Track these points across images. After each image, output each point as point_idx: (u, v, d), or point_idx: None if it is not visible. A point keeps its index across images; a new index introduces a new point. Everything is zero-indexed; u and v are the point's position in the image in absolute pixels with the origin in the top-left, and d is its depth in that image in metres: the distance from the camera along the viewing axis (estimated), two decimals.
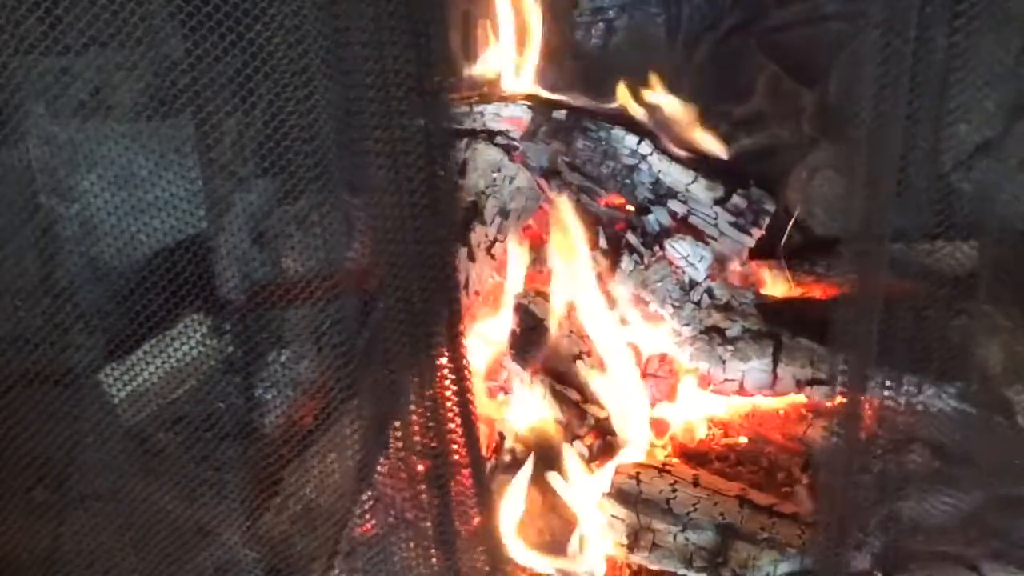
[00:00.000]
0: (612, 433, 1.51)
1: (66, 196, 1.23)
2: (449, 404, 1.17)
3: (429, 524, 1.22)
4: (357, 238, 1.15)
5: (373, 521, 1.27)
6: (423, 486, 1.20)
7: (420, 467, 1.20)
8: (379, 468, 1.25)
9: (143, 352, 1.24)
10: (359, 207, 1.11)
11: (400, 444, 1.20)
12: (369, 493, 1.27)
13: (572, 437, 1.50)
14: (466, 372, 1.19)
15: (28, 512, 1.23)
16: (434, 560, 1.23)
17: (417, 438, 1.18)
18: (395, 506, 1.24)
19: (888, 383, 1.23)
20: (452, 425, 1.18)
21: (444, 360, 1.16)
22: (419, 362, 1.15)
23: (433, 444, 1.18)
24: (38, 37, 1.02)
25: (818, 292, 1.73)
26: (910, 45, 1.05)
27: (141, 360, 1.25)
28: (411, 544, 1.23)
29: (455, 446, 1.19)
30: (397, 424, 1.20)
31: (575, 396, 1.52)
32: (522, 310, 1.63)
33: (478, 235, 1.64)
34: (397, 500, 1.23)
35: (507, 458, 1.47)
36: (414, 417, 1.17)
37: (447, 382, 1.17)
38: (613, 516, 1.44)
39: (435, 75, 1.03)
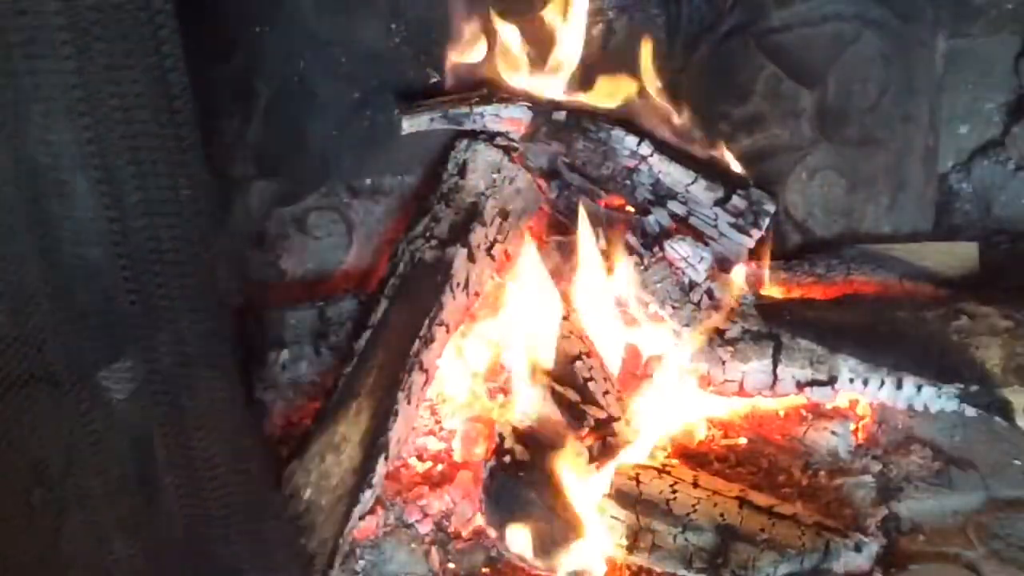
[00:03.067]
0: (612, 434, 1.50)
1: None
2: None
3: None
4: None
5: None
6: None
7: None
8: None
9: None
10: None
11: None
12: None
13: (572, 438, 1.49)
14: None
15: (26, 512, 1.23)
16: None
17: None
18: None
19: None
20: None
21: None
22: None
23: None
24: None
25: (817, 293, 1.73)
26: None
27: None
28: None
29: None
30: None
31: (575, 396, 1.52)
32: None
33: (478, 236, 1.64)
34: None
35: (506, 459, 1.46)
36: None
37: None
38: (613, 517, 1.44)
39: (176, 95, 1.09)
